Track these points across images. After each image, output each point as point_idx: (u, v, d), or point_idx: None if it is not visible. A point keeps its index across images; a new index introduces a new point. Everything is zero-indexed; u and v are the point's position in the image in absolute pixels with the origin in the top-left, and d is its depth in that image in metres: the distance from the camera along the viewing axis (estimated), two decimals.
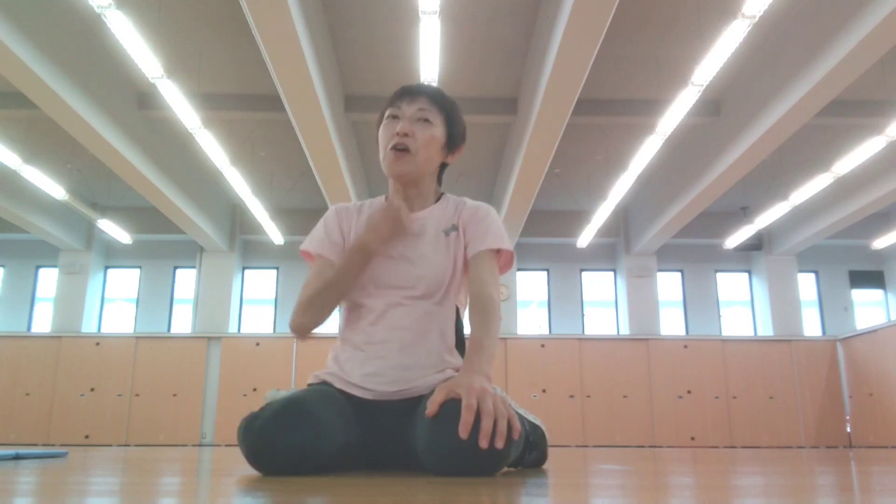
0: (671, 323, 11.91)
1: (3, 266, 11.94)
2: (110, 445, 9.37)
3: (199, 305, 11.23)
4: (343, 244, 1.70)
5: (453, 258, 1.65)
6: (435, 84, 6.32)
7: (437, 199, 1.74)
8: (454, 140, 1.71)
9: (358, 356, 1.56)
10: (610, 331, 11.89)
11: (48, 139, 8.55)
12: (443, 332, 1.59)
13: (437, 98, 1.68)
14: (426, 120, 1.64)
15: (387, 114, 1.68)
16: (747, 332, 12.00)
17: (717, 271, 12.21)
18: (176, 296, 11.90)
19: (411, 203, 1.70)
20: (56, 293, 11.24)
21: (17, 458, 2.06)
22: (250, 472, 1.40)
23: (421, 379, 1.51)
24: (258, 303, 11.98)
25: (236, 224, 11.49)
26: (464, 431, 1.18)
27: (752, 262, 12.08)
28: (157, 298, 11.83)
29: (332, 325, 1.70)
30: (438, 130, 1.66)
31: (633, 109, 8.07)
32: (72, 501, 0.86)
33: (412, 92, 1.68)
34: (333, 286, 1.60)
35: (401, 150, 1.61)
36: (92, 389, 10.33)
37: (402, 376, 1.51)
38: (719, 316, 12.08)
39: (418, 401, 1.46)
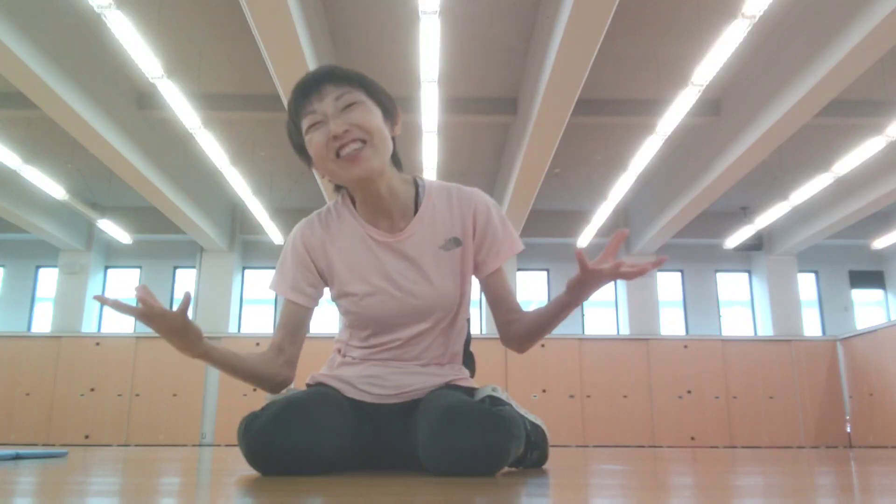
0: (671, 323, 11.91)
1: (3, 266, 11.93)
2: (110, 445, 9.37)
3: (199, 305, 11.23)
4: (315, 274, 1.51)
5: (460, 277, 1.50)
6: (434, 82, 6.34)
7: (415, 196, 1.50)
8: (387, 108, 1.42)
9: (359, 367, 1.53)
10: (610, 331, 11.89)
11: (48, 139, 8.54)
12: (453, 350, 1.57)
13: (342, 76, 1.38)
14: (351, 103, 1.36)
15: (304, 126, 1.37)
16: (747, 332, 12.00)
17: (717, 271, 12.20)
18: (176, 296, 11.89)
19: (388, 209, 1.46)
20: (56, 293, 11.24)
21: (17, 458, 2.06)
22: (250, 472, 1.40)
23: (421, 385, 1.51)
24: (258, 303, 11.98)
25: (236, 224, 11.49)
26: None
27: (752, 262, 12.07)
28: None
29: (331, 326, 1.68)
30: (370, 105, 1.38)
31: (633, 109, 8.06)
32: (72, 501, 0.86)
33: (312, 86, 1.37)
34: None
35: (352, 151, 1.34)
36: (92, 389, 10.32)
37: (405, 384, 1.50)
38: (719, 316, 12.08)
39: (418, 402, 1.46)
